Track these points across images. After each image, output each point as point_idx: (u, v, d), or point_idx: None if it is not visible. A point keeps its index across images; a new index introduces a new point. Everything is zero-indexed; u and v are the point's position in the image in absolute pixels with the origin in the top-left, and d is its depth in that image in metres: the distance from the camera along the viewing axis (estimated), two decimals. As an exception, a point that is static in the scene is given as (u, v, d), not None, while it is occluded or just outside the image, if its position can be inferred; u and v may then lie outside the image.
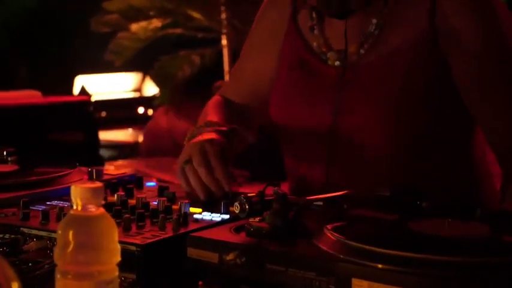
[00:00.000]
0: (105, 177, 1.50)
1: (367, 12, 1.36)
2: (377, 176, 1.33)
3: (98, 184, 0.79)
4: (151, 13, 4.25)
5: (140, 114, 5.97)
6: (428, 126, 1.33)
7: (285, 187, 1.47)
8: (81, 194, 0.78)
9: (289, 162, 1.51)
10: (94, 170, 1.50)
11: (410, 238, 0.88)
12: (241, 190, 1.40)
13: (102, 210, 0.79)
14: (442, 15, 1.31)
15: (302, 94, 1.43)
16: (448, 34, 1.31)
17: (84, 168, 1.55)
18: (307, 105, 1.42)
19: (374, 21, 1.36)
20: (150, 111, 5.84)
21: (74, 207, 0.78)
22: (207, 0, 4.19)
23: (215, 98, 1.60)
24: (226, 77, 4.81)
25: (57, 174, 1.47)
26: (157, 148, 3.88)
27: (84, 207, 0.78)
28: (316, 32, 1.43)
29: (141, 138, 4.78)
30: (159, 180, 1.63)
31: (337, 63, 1.39)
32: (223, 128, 1.38)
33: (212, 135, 1.33)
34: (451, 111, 1.35)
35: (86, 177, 1.50)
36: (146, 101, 6.07)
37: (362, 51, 1.37)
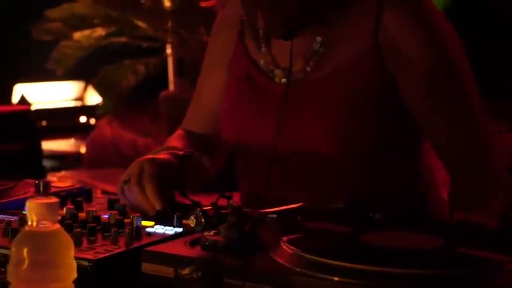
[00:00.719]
0: (53, 189, 1.47)
1: (312, 31, 1.38)
2: (323, 190, 1.35)
3: (53, 199, 0.77)
4: (95, 21, 4.20)
5: (82, 124, 5.89)
6: (373, 140, 1.35)
7: (236, 197, 1.47)
8: (36, 210, 0.76)
9: (238, 173, 1.51)
10: (42, 183, 1.47)
11: (366, 251, 0.89)
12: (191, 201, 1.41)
13: (57, 226, 0.78)
14: (386, 33, 1.33)
15: (249, 107, 1.44)
16: (392, 51, 1.33)
17: (30, 181, 1.51)
18: (254, 119, 1.43)
19: (319, 39, 1.38)
20: (93, 121, 5.77)
21: (29, 223, 0.77)
22: (152, 9, 4.16)
23: (177, 132, 1.59)
24: (171, 86, 4.80)
25: (2, 188, 1.43)
26: (101, 158, 3.83)
27: (39, 223, 0.77)
28: (263, 49, 1.44)
29: (83, 149, 4.71)
30: (103, 192, 1.60)
31: (283, 80, 1.41)
32: (179, 152, 1.36)
33: (160, 156, 1.32)
34: (397, 124, 1.38)
35: (32, 189, 1.47)
36: (88, 110, 5.99)
37: (308, 68, 1.39)
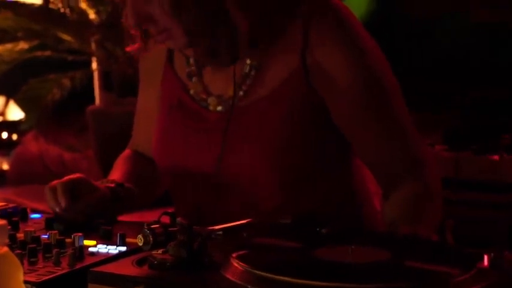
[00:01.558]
0: (-15, 210, 1.43)
1: (242, 55, 1.38)
2: (263, 209, 1.36)
3: (2, 222, 0.75)
4: (18, 34, 4.09)
5: (4, 140, 5.71)
6: (308, 160, 1.37)
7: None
8: (-17, 234, 0.74)
9: (176, 199, 1.51)
10: (-27, 204, 1.42)
11: (316, 266, 0.90)
12: (129, 218, 1.40)
13: (5, 249, 0.75)
14: (313, 54, 1.34)
15: (183, 134, 1.44)
16: (319, 72, 1.35)
17: (-40, 202, 1.46)
18: (189, 146, 1.42)
19: (248, 61, 1.39)
20: (15, 136, 5.61)
21: (-25, 247, 0.74)
22: (78, 22, 4.09)
23: (123, 153, 1.60)
24: (97, 101, 4.72)
25: None
26: (28, 174, 3.73)
27: (-15, 247, 0.74)
28: (194, 79, 1.44)
29: (6, 165, 4.57)
30: (32, 210, 1.57)
31: (218, 108, 1.41)
32: (111, 185, 1.42)
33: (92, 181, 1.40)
34: (331, 141, 1.40)
35: (-36, 210, 1.42)
36: (10, 126, 5.82)
37: (241, 93, 1.39)
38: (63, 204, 1.32)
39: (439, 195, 1.36)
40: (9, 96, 5.98)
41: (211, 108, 1.41)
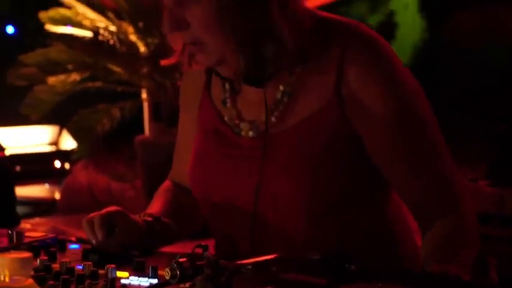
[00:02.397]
0: (26, 239, 1.45)
1: (275, 81, 1.38)
2: (296, 240, 1.35)
3: (27, 254, 0.76)
4: (69, 67, 4.20)
5: (57, 169, 5.84)
6: (341, 190, 1.35)
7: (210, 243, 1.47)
8: (9, 265, 0.75)
9: (213, 225, 1.51)
10: (14, 233, 1.45)
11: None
12: (168, 249, 1.41)
13: (30, 281, 0.77)
14: (348, 84, 1.33)
15: (217, 161, 1.44)
16: (355, 104, 1.33)
17: (3, 231, 1.49)
18: (222, 172, 1.43)
19: (281, 88, 1.38)
20: (67, 165, 5.72)
21: (1, 278, 0.75)
22: (127, 54, 4.18)
23: (163, 185, 1.62)
24: (147, 131, 4.79)
25: (-27, 239, 1.41)
26: (76, 204, 3.79)
27: (12, 279, 0.76)
28: (228, 105, 1.44)
29: (58, 194, 4.66)
30: (78, 240, 1.59)
31: (250, 133, 1.41)
32: (148, 219, 1.42)
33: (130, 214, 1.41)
34: (365, 173, 1.38)
35: (5, 240, 1.45)
36: (63, 155, 5.95)
37: (273, 119, 1.39)
38: (99, 237, 1.34)
39: (475, 232, 1.33)
40: (62, 125, 6.14)
41: (243, 134, 1.41)
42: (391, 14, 12.04)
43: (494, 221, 2.44)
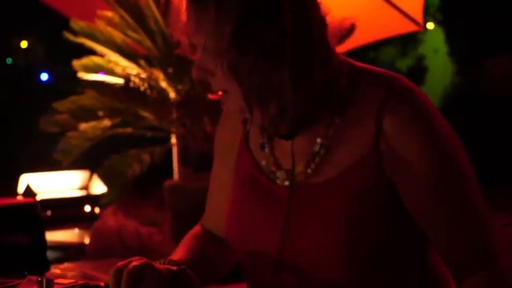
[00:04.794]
0: (56, 286, 1.46)
1: (313, 132, 1.38)
2: None
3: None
4: (100, 113, 4.27)
5: (87, 213, 5.88)
6: (379, 246, 1.33)
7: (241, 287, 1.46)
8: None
9: (247, 274, 1.50)
10: (44, 281, 1.46)
11: None
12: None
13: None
14: (387, 139, 1.32)
15: (252, 211, 1.43)
16: (394, 160, 1.31)
17: (33, 278, 1.50)
18: (258, 222, 1.42)
19: (319, 140, 1.37)
20: (97, 210, 5.76)
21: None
22: (157, 100, 4.23)
23: (193, 229, 1.60)
24: (176, 176, 4.82)
25: (4, 286, 1.42)
26: (106, 249, 3.80)
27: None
28: (266, 150, 1.44)
29: (87, 239, 4.68)
30: (107, 286, 1.60)
31: (286, 182, 1.40)
32: (173, 267, 1.38)
33: (155, 264, 1.36)
34: (402, 227, 1.36)
35: (35, 287, 1.46)
36: (93, 199, 5.99)
37: (309, 170, 1.38)
38: None
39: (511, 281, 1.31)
40: (93, 171, 6.20)
41: (279, 182, 1.41)
42: (420, 58, 12.06)
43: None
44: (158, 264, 1.38)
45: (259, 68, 1.29)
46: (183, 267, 1.42)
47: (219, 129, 1.58)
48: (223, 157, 1.55)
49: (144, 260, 1.36)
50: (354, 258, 1.31)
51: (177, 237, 3.98)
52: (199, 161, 4.29)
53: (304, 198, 1.37)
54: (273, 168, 1.41)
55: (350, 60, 1.41)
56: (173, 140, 4.68)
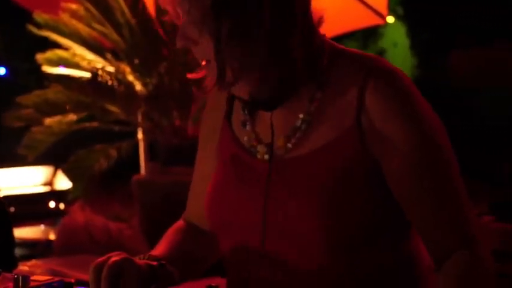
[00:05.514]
0: (32, 283, 1.43)
1: (294, 107, 1.38)
2: (311, 277, 1.33)
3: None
4: (67, 107, 4.21)
5: (51, 209, 5.80)
6: (360, 225, 1.33)
7: (222, 282, 1.45)
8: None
9: (224, 255, 1.48)
10: (20, 278, 1.43)
11: None
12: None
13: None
14: (368, 116, 1.32)
15: (234, 190, 1.42)
16: (376, 137, 1.32)
17: (8, 275, 1.47)
18: (238, 202, 1.41)
19: (301, 115, 1.37)
20: (62, 206, 5.69)
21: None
22: (125, 94, 4.19)
23: (176, 224, 1.58)
24: (142, 170, 4.78)
25: (-20, 284, 1.38)
26: (73, 245, 3.75)
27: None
28: (248, 127, 1.43)
29: (53, 235, 4.62)
30: (78, 282, 1.57)
31: (266, 156, 1.40)
32: (153, 263, 1.38)
33: (135, 259, 1.35)
34: (383, 206, 1.36)
35: (11, 285, 1.43)
36: (58, 195, 5.91)
37: (289, 145, 1.38)
38: None
39: (491, 273, 1.32)
40: (57, 166, 6.12)
41: (259, 156, 1.40)
42: (381, 52, 12.16)
43: (500, 258, 2.42)
44: (138, 260, 1.37)
45: (238, 35, 1.28)
46: (163, 262, 1.40)
47: (204, 114, 1.57)
48: (208, 141, 1.53)
49: (123, 255, 1.34)
50: (334, 236, 1.31)
51: (147, 231, 3.95)
52: (167, 155, 4.25)
53: (284, 172, 1.36)
54: (254, 143, 1.41)
55: (331, 41, 1.41)
56: (139, 134, 4.64)
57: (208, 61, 1.33)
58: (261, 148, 1.40)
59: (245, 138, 1.42)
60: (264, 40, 1.29)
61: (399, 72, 1.36)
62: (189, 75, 1.41)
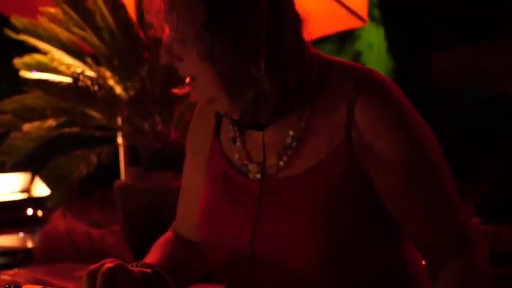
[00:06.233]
0: (24, 293, 1.40)
1: (285, 124, 1.36)
2: (298, 284, 1.32)
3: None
4: (47, 112, 4.14)
5: (29, 216, 5.71)
6: (353, 235, 1.33)
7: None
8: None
9: (222, 274, 1.47)
10: (12, 287, 1.40)
11: None
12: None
13: None
14: (358, 129, 1.32)
15: (225, 208, 1.41)
16: (366, 150, 1.32)
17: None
18: (230, 220, 1.40)
19: (291, 133, 1.36)
20: (40, 213, 5.61)
21: None
22: (106, 98, 4.13)
23: (165, 235, 1.57)
24: (123, 176, 4.72)
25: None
26: (55, 253, 3.69)
27: None
28: (238, 144, 1.41)
29: (31, 243, 4.54)
30: (61, 289, 1.53)
31: (258, 175, 1.39)
32: (147, 270, 1.35)
33: (129, 267, 1.31)
34: (376, 217, 1.36)
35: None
36: (35, 202, 5.83)
37: (281, 163, 1.37)
38: None
39: (488, 276, 1.31)
40: (35, 172, 6.03)
41: (251, 176, 1.38)
42: (357, 54, 12.23)
43: (492, 260, 2.41)
44: (131, 267, 1.35)
45: (232, 53, 1.26)
46: (158, 269, 1.38)
47: (191, 126, 1.55)
48: (195, 154, 1.52)
49: (117, 261, 1.32)
50: (326, 249, 1.30)
51: (128, 238, 3.91)
52: (149, 160, 4.21)
53: (276, 191, 1.35)
54: (245, 162, 1.39)
55: (320, 53, 1.40)
56: (119, 139, 4.58)
57: (192, 78, 1.31)
58: (252, 167, 1.39)
59: (236, 156, 1.41)
60: (259, 56, 1.27)
61: (389, 84, 1.35)
62: (175, 91, 1.39)
